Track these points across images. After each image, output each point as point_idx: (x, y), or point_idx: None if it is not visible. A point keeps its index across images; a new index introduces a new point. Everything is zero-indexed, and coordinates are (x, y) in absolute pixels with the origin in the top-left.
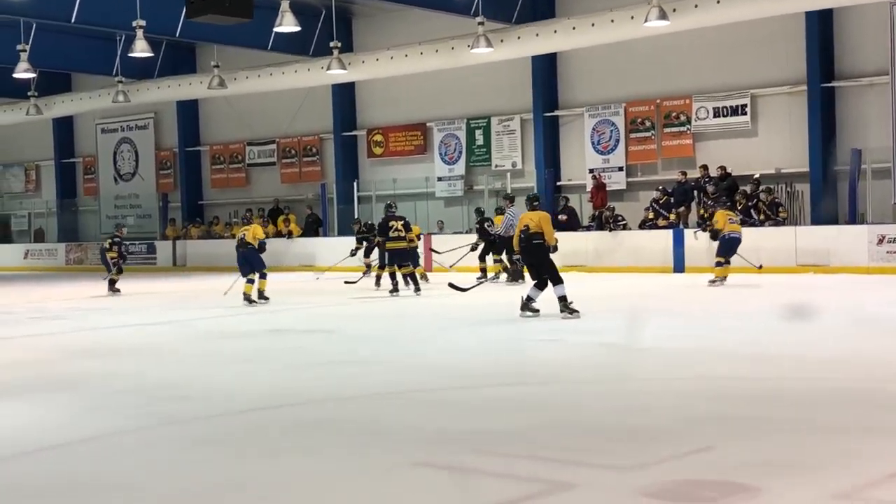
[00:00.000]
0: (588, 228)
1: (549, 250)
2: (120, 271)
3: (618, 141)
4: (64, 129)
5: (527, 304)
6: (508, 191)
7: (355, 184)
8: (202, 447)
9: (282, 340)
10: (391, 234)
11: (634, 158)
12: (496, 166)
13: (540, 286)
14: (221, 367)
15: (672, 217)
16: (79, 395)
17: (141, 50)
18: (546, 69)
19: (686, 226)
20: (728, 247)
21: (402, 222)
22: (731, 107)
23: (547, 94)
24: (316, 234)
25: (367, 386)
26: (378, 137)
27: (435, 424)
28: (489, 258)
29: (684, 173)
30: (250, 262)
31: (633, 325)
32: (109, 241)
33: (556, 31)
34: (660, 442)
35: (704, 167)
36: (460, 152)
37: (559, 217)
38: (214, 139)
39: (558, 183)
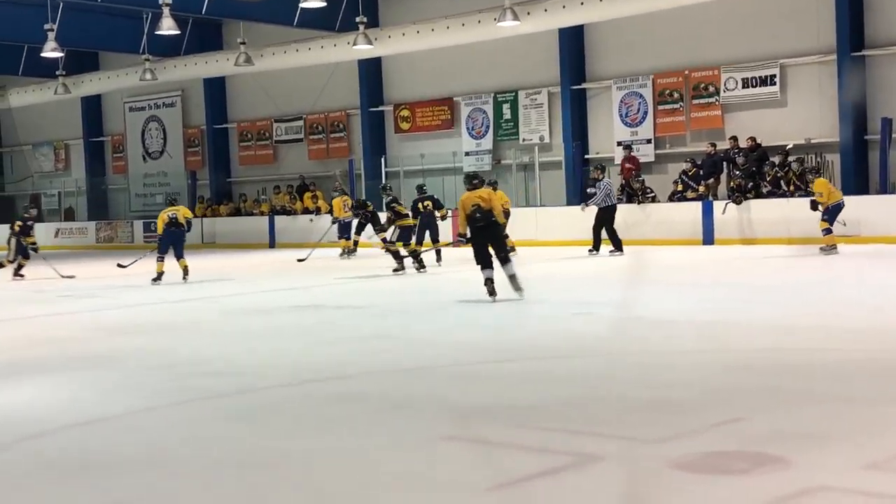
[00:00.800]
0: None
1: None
2: (27, 256)
3: (646, 113)
4: (92, 107)
5: (493, 288)
6: (537, 164)
7: (383, 159)
8: (234, 422)
9: (312, 316)
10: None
11: (663, 130)
12: (524, 140)
13: (490, 264)
14: (253, 343)
15: (701, 189)
16: (112, 371)
17: (168, 28)
18: (573, 42)
19: (715, 198)
20: (836, 214)
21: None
22: (760, 77)
23: (574, 66)
24: None
25: (397, 361)
26: (405, 112)
27: (464, 398)
28: None
29: (713, 145)
30: (179, 242)
31: (660, 298)
32: (21, 223)
33: (582, 3)
34: (689, 414)
35: (734, 138)
36: (487, 126)
37: (588, 190)
38: (242, 116)
39: (586, 156)
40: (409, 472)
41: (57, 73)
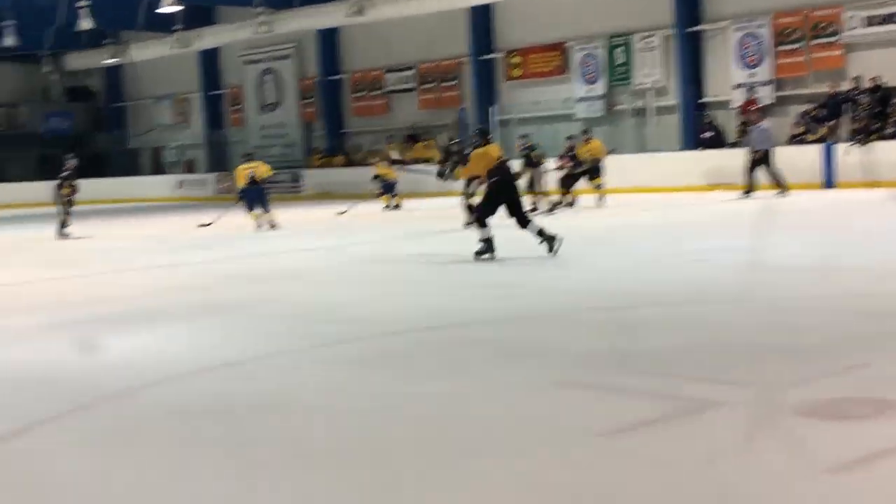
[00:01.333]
0: (734, 145)
1: None
2: (67, 213)
3: (764, 54)
4: (209, 61)
5: (553, 244)
6: (651, 109)
7: (494, 108)
8: (354, 368)
9: (429, 265)
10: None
11: (782, 72)
12: (638, 84)
13: (526, 221)
14: (371, 291)
15: (822, 131)
16: (234, 319)
17: None
18: None
19: (836, 140)
20: None
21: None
22: (884, 14)
23: (690, 8)
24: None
25: (512, 308)
26: (516, 59)
27: (580, 344)
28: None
29: (835, 85)
30: (262, 199)
31: (783, 243)
32: (61, 178)
33: None
34: (812, 360)
35: (856, 79)
36: (600, 72)
37: (703, 135)
38: (355, 67)
39: (701, 100)
40: (530, 416)
41: (174, 27)
